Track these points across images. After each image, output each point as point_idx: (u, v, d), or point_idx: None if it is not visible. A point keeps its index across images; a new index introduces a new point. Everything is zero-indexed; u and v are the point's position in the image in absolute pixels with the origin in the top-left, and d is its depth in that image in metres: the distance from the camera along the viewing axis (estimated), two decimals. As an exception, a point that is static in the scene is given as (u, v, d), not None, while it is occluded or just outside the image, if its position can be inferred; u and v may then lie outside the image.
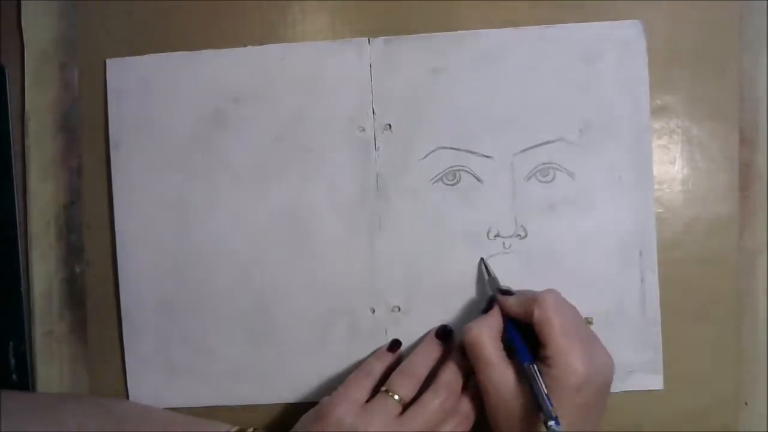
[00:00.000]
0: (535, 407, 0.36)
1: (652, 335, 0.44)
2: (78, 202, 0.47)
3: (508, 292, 0.41)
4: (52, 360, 0.47)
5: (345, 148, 0.45)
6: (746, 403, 0.45)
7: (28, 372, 0.47)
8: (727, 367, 0.44)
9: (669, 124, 0.45)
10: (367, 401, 0.40)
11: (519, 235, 0.44)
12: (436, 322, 0.44)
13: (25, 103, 0.47)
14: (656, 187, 0.45)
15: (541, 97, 0.44)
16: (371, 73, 0.45)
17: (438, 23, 0.45)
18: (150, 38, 0.46)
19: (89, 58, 0.47)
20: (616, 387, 0.41)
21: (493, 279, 0.43)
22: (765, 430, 0.45)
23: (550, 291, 0.39)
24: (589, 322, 0.43)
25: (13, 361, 0.47)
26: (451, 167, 0.45)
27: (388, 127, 0.45)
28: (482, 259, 0.44)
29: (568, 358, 0.36)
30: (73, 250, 0.47)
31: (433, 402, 0.40)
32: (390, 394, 0.40)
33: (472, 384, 0.42)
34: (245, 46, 0.46)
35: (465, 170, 0.45)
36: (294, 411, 0.44)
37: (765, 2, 0.45)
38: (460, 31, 0.45)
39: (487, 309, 0.41)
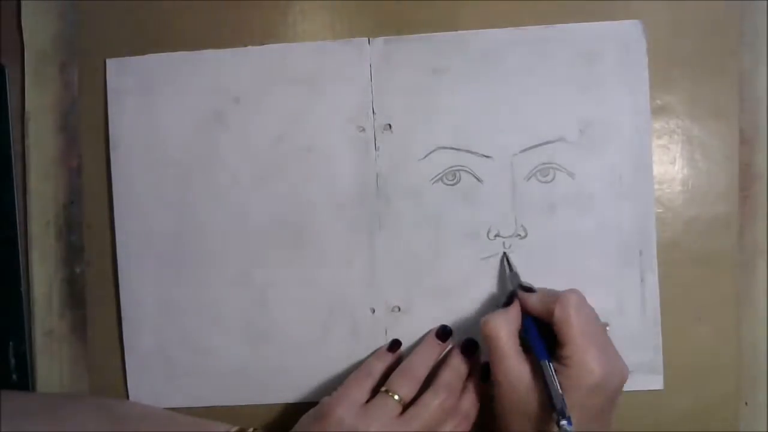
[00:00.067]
0: (547, 405, 0.36)
1: (651, 335, 0.44)
2: (78, 202, 0.47)
3: (529, 289, 0.41)
4: (52, 360, 0.47)
5: (345, 148, 0.45)
6: (746, 403, 0.45)
7: (28, 372, 0.47)
8: (727, 367, 0.44)
9: (669, 124, 0.45)
10: (367, 401, 0.40)
11: (519, 235, 0.44)
12: (436, 322, 0.44)
13: (25, 103, 0.47)
14: (656, 187, 0.45)
15: (541, 97, 0.44)
16: (371, 73, 0.45)
17: (438, 23, 0.45)
18: (150, 38, 0.46)
19: (89, 58, 0.47)
20: (616, 387, 0.41)
21: (515, 274, 0.43)
22: (765, 430, 0.45)
23: (572, 291, 0.38)
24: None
25: (13, 361, 0.47)
26: (451, 167, 0.45)
27: (388, 127, 0.45)
28: (505, 253, 0.44)
29: (585, 358, 0.36)
30: (73, 250, 0.47)
31: (433, 402, 0.40)
32: (390, 394, 0.40)
33: (472, 384, 0.42)
34: (245, 46, 0.46)
35: (465, 170, 0.45)
36: (294, 411, 0.44)
37: (765, 2, 0.45)
38: (460, 31, 0.45)
39: (507, 303, 0.41)
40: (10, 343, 0.47)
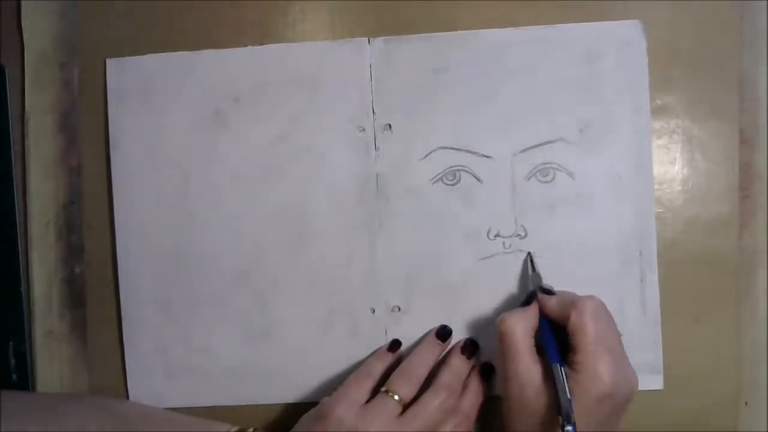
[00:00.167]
0: (555, 409, 0.36)
1: (652, 335, 0.44)
2: (78, 202, 0.47)
3: (549, 292, 0.41)
4: (52, 360, 0.47)
5: (345, 148, 0.45)
6: (746, 403, 0.45)
7: (28, 372, 0.47)
8: (727, 367, 0.44)
9: (669, 124, 0.45)
10: (367, 401, 0.40)
11: (519, 235, 0.44)
12: (436, 322, 0.44)
13: (25, 103, 0.47)
14: (656, 187, 0.45)
15: (541, 97, 0.44)
16: (371, 73, 0.45)
17: (438, 23, 0.45)
18: (150, 38, 0.46)
19: (89, 58, 0.47)
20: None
21: (536, 275, 0.43)
22: (765, 430, 0.45)
23: (590, 297, 0.38)
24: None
25: (13, 361, 0.47)
26: (451, 167, 0.45)
27: (388, 127, 0.45)
28: (529, 253, 0.44)
29: (596, 366, 0.36)
30: (73, 250, 0.47)
31: (433, 402, 0.40)
32: (390, 394, 0.40)
33: (472, 384, 0.42)
34: (245, 46, 0.46)
35: (465, 170, 0.45)
36: (294, 411, 0.44)
37: (765, 2, 0.45)
38: (460, 31, 0.45)
39: (525, 303, 0.41)
40: (10, 343, 0.47)
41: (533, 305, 0.40)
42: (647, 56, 0.44)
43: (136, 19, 0.46)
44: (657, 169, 0.45)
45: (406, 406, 0.40)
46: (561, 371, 0.36)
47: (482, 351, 0.44)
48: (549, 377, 0.37)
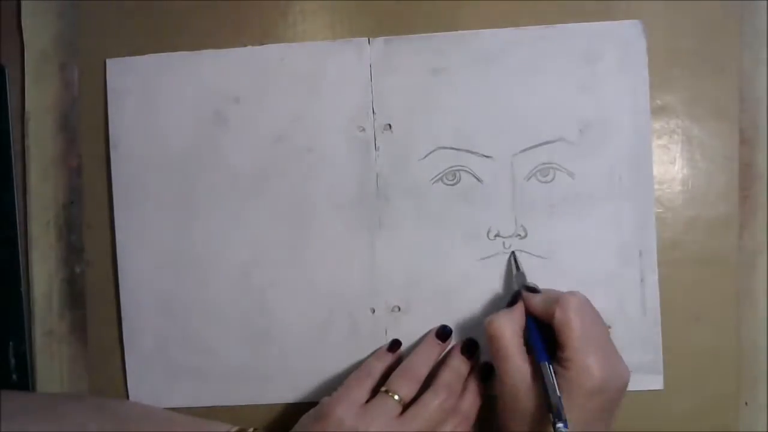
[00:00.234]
0: (546, 407, 0.36)
1: (652, 335, 0.44)
2: (78, 202, 0.47)
3: (534, 290, 0.41)
4: (52, 360, 0.47)
5: (345, 148, 0.45)
6: (746, 403, 0.45)
7: (28, 372, 0.47)
8: (727, 367, 0.44)
9: (669, 124, 0.45)
10: (367, 401, 0.40)
11: (519, 235, 0.44)
12: (436, 322, 0.44)
13: (25, 103, 0.47)
14: (656, 187, 0.45)
15: (541, 97, 0.44)
16: (371, 73, 0.45)
17: (438, 23, 0.45)
18: (150, 38, 0.46)
19: (89, 58, 0.47)
20: (616, 387, 0.41)
21: (521, 274, 0.43)
22: (765, 430, 0.45)
23: (573, 293, 0.38)
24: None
25: (13, 361, 0.47)
26: (451, 167, 0.45)
27: (388, 127, 0.45)
28: (513, 252, 0.44)
29: (585, 361, 0.36)
30: (73, 250, 0.47)
31: (433, 402, 0.40)
32: (390, 394, 0.40)
33: (472, 384, 0.42)
34: (245, 46, 0.46)
35: (465, 170, 0.45)
36: (294, 411, 0.44)
37: (765, 2, 0.45)
38: (460, 31, 0.45)
39: (511, 303, 0.41)
40: (10, 343, 0.47)
41: (519, 305, 0.40)
42: (647, 56, 0.44)
43: (136, 19, 0.47)
44: (657, 169, 0.45)
45: (406, 406, 0.40)
46: (549, 369, 0.36)
47: (482, 351, 0.44)
48: (539, 376, 0.37)
